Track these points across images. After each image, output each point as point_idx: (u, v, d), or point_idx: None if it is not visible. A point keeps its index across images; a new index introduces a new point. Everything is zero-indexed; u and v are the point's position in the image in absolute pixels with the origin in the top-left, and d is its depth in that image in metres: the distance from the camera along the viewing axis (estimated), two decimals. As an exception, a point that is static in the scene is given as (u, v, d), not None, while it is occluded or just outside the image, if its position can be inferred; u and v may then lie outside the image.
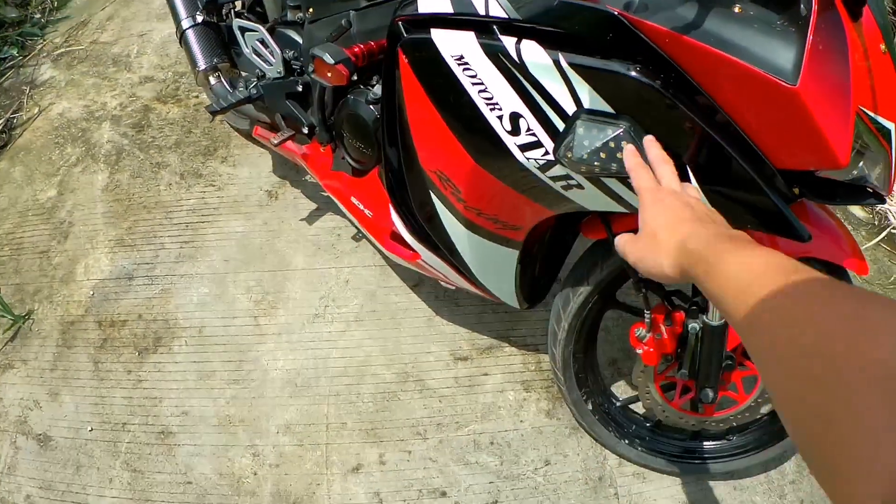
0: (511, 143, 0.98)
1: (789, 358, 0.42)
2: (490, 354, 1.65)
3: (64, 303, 1.90)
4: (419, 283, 1.78)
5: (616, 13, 0.81)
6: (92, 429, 1.65)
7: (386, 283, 1.80)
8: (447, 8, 0.98)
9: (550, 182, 1.00)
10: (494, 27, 0.93)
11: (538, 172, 0.99)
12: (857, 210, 2.05)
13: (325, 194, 1.94)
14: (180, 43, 1.90)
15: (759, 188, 0.85)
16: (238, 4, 1.93)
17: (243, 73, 1.89)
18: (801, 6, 0.76)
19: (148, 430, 1.62)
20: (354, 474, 1.47)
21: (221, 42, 1.90)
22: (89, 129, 2.41)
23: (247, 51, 1.76)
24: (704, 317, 1.15)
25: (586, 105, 0.89)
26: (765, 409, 1.33)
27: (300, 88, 1.64)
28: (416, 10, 1.03)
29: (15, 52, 2.88)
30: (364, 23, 1.50)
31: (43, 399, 1.72)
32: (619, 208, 0.99)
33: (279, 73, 1.69)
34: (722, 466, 1.45)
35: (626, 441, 1.47)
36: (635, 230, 0.71)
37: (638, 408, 1.48)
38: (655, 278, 0.67)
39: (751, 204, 0.88)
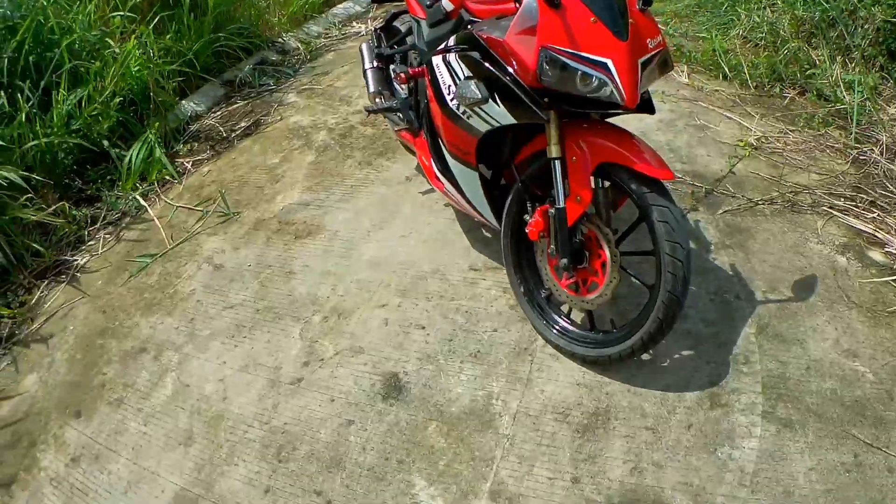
0: (448, 99, 2.24)
1: None
2: (491, 271, 2.69)
3: (262, 211, 3.25)
4: (474, 227, 2.89)
5: (475, 34, 2.07)
6: (250, 265, 2.90)
7: (453, 227, 2.94)
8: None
9: (462, 116, 2.20)
10: (448, 50, 2.23)
11: (455, 111, 2.21)
12: (876, 255, 2.67)
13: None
14: (364, 76, 3.27)
15: (519, 97, 1.94)
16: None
17: (395, 96, 3.22)
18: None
19: (282, 269, 2.85)
20: (381, 308, 2.58)
21: (386, 78, 3.25)
22: (311, 133, 3.87)
23: (396, 84, 3.09)
24: (556, 205, 2.03)
25: (464, 74, 2.13)
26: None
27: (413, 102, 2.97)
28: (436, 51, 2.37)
29: (271, 83, 4.52)
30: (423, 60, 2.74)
31: (228, 249, 3.04)
32: (487, 125, 2.12)
33: (406, 95, 3.04)
34: (599, 351, 2.18)
35: (544, 322, 2.33)
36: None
37: (562, 307, 2.35)
38: None
39: (521, 107, 1.97)
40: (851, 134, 3.35)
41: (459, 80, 2.13)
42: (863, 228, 2.77)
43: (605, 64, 1.79)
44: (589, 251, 2.13)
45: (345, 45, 5.03)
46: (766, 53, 4.03)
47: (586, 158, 1.99)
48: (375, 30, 3.39)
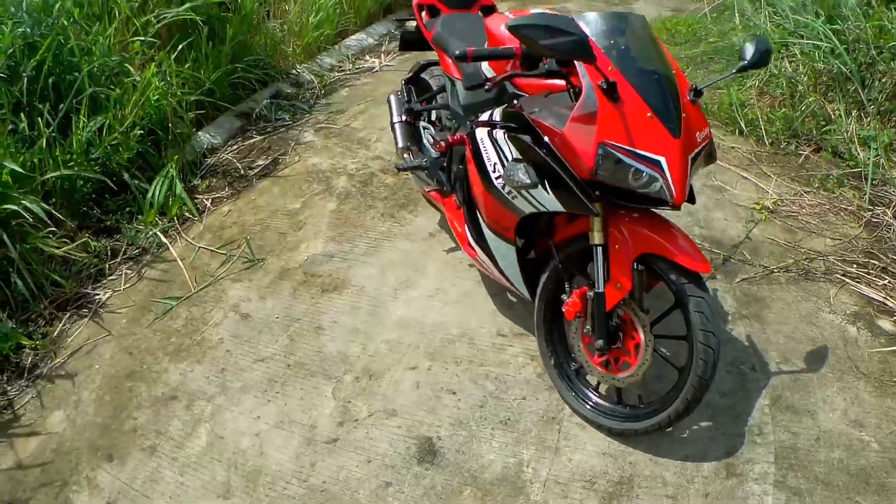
0: (493, 176, 2.33)
1: None
2: (519, 338, 2.85)
3: (287, 259, 3.39)
4: (499, 291, 3.05)
5: (526, 115, 2.13)
6: (277, 317, 3.01)
7: (478, 290, 3.10)
8: (486, 119, 2.42)
9: (507, 196, 2.30)
10: (494, 124, 2.34)
11: (501, 190, 2.31)
12: (885, 323, 2.88)
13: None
14: (392, 129, 3.41)
15: (569, 187, 2.04)
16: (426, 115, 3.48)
17: (422, 154, 3.36)
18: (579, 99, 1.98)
19: (311, 324, 2.97)
20: (411, 371, 2.72)
21: (414, 133, 3.39)
22: (331, 177, 4.01)
23: (425, 140, 3.25)
24: (594, 288, 2.19)
25: (513, 155, 2.23)
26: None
27: (446, 164, 3.08)
28: (477, 121, 2.47)
29: (287, 118, 4.66)
30: (466, 128, 2.76)
31: (254, 298, 3.17)
32: (533, 208, 2.22)
33: (437, 155, 3.15)
34: (629, 426, 2.33)
35: (573, 393, 2.48)
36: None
37: (591, 380, 2.50)
38: None
39: (572, 196, 2.06)
40: (865, 195, 3.54)
41: (507, 160, 2.24)
42: (873, 296, 2.97)
43: (659, 162, 1.91)
44: (623, 332, 2.28)
45: (359, 81, 5.20)
46: (783, 109, 4.17)
47: (629, 247, 2.12)
48: (404, 81, 3.53)
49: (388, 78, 5.35)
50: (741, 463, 2.33)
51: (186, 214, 3.69)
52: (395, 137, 3.36)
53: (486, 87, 2.19)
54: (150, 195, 3.60)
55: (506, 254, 2.53)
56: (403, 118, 3.40)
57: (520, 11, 2.58)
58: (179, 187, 3.69)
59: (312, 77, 5.14)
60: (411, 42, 3.48)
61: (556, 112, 2.07)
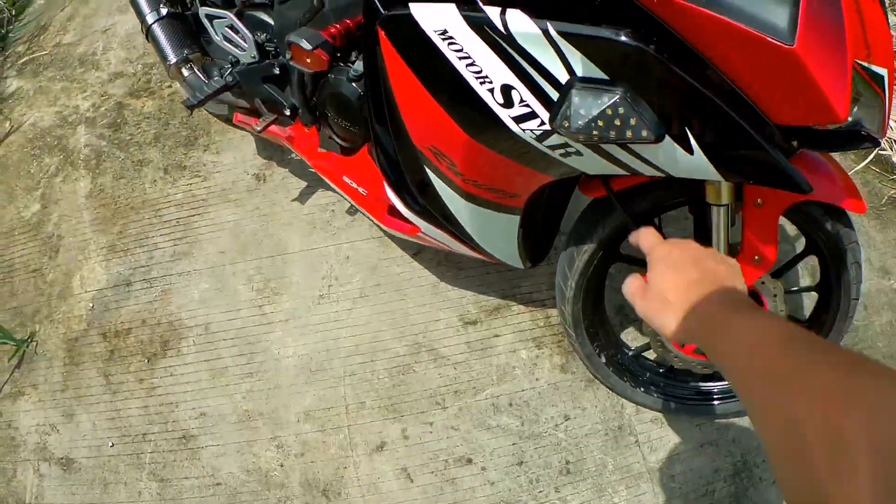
0: (505, 115, 1.00)
1: (777, 428, 0.49)
2: (498, 315, 1.68)
3: (65, 319, 1.94)
4: (420, 251, 1.79)
5: None
6: (113, 444, 1.72)
7: (386, 254, 1.82)
8: None
9: (548, 150, 1.02)
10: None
11: (535, 143, 1.01)
12: None
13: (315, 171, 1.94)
14: (147, 38, 1.89)
15: (759, 145, 0.89)
16: None
17: (216, 61, 1.87)
18: None
19: (169, 436, 1.66)
20: (379, 453, 1.52)
21: (189, 32, 1.91)
22: (64, 135, 2.43)
23: (217, 38, 1.76)
24: None
25: (579, 73, 0.91)
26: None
27: (277, 71, 1.66)
28: None
29: None
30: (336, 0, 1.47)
31: (59, 422, 1.79)
32: (620, 171, 1.02)
33: (253, 57, 1.69)
34: (735, 405, 1.51)
35: (642, 389, 1.53)
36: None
37: (650, 355, 1.54)
38: (662, 335, 0.82)
39: (753, 160, 0.93)
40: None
41: (551, 79, 0.95)
42: None
43: (882, 77, 0.96)
44: None
45: None
46: None
47: (780, 201, 1.21)
48: None
49: None
50: None
51: None
52: (160, 48, 1.85)
53: None
54: None
55: (497, 225, 1.34)
56: (163, 10, 1.87)
57: None
58: None
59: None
60: None
61: None
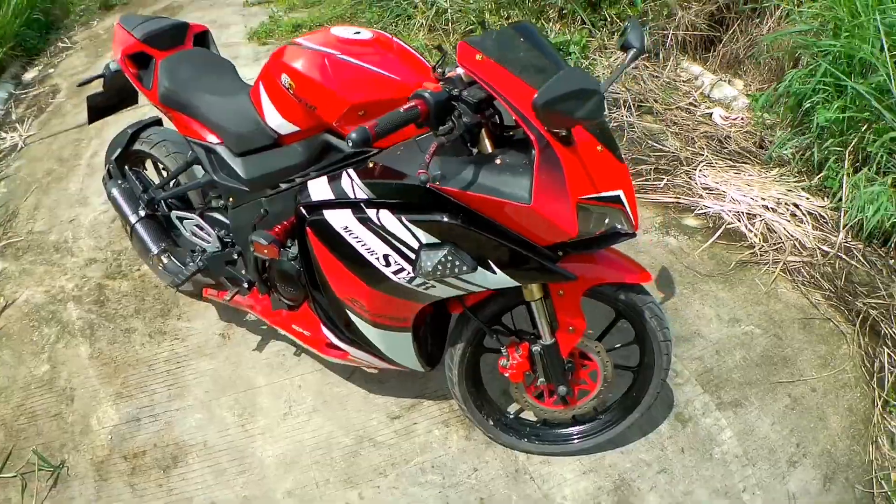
0: (388, 272, 1.77)
1: None
2: (415, 409, 2.55)
3: (90, 449, 2.59)
4: (352, 373, 2.68)
5: (428, 185, 1.53)
6: None
7: (327, 380, 2.69)
8: (329, 195, 1.82)
9: (416, 288, 1.78)
10: (361, 205, 1.74)
11: (407, 284, 1.78)
12: (690, 221, 3.14)
13: (265, 327, 2.82)
14: (130, 237, 2.67)
15: (531, 259, 1.62)
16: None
17: (183, 251, 2.68)
18: (533, 155, 1.46)
19: None
20: None
21: (162, 229, 2.70)
22: (57, 310, 3.13)
23: (186, 234, 2.60)
24: (540, 340, 1.94)
25: (424, 241, 1.67)
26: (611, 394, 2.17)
27: (236, 256, 2.49)
28: (310, 197, 1.86)
29: None
30: (274, 206, 2.15)
31: None
32: (461, 292, 1.78)
33: (217, 248, 2.52)
34: (601, 438, 2.23)
35: (526, 440, 2.26)
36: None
37: (527, 415, 2.30)
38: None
39: (531, 268, 1.65)
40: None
41: (410, 248, 1.70)
42: (665, 200, 3.14)
43: (619, 197, 1.60)
44: (574, 366, 2.13)
45: (10, 168, 4.01)
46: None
47: (575, 288, 1.83)
48: (113, 162, 2.73)
49: (40, 152, 4.25)
50: (683, 407, 2.46)
51: None
52: (142, 242, 2.61)
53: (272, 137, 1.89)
54: None
55: (398, 342, 2.10)
56: (142, 213, 2.63)
57: (314, 33, 1.95)
58: None
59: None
60: (103, 108, 2.70)
61: (471, 172, 1.57)
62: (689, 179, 3.37)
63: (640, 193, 3.28)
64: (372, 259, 1.78)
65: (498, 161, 1.56)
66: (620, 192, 1.60)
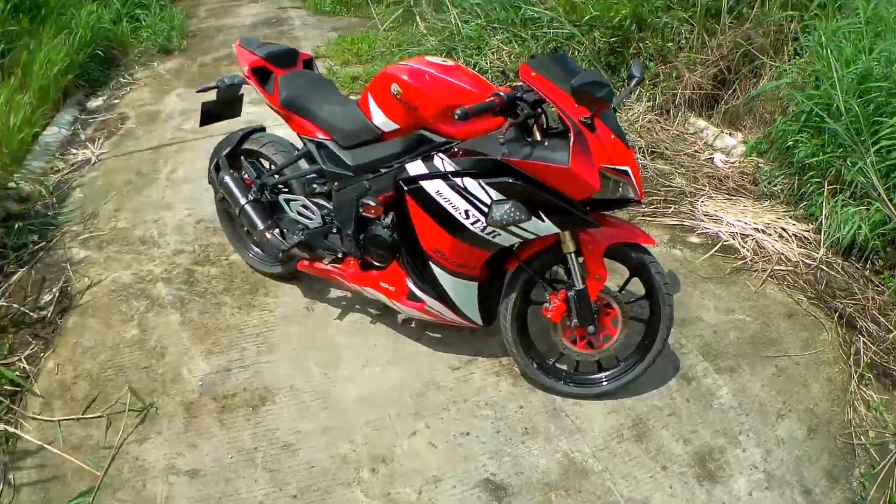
0: (467, 223, 2.33)
1: None
2: (472, 363, 2.90)
3: (180, 393, 2.80)
4: (420, 336, 3.03)
5: (499, 158, 2.20)
6: (231, 457, 2.47)
7: (399, 340, 3.04)
8: (424, 171, 2.40)
9: (486, 236, 2.33)
10: (449, 175, 2.33)
11: (480, 233, 2.33)
12: (693, 238, 3.68)
13: (345, 302, 3.19)
14: (239, 215, 3.07)
15: (569, 210, 2.20)
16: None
17: (285, 231, 3.08)
18: (570, 136, 2.08)
19: (274, 445, 2.57)
20: (415, 437, 2.61)
21: (267, 210, 3.09)
22: (146, 288, 3.42)
23: (292, 213, 3.00)
24: (574, 287, 2.41)
25: (494, 198, 2.26)
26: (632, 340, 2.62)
27: (335, 230, 2.90)
28: (408, 174, 2.44)
29: (36, 238, 3.74)
30: (376, 184, 2.64)
31: (185, 450, 2.52)
32: (518, 240, 2.34)
33: (319, 223, 2.94)
34: (620, 381, 2.63)
35: (562, 382, 2.65)
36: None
37: (562, 362, 2.68)
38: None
39: (568, 217, 2.23)
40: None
41: (484, 203, 2.28)
42: (671, 223, 3.60)
43: (627, 171, 2.16)
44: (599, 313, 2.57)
45: (85, 178, 4.39)
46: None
47: (600, 245, 2.38)
48: (224, 157, 3.16)
49: (116, 166, 4.61)
50: (687, 370, 2.86)
51: (6, 387, 2.81)
52: (251, 220, 3.00)
53: (376, 133, 2.52)
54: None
55: (467, 291, 2.59)
56: (251, 197, 3.04)
57: (414, 59, 2.58)
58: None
59: (35, 187, 4.16)
60: (214, 114, 3.15)
61: (528, 150, 2.19)
62: (692, 208, 3.88)
63: (651, 217, 3.80)
64: (455, 214, 2.35)
65: (546, 143, 2.19)
66: (629, 169, 2.17)
